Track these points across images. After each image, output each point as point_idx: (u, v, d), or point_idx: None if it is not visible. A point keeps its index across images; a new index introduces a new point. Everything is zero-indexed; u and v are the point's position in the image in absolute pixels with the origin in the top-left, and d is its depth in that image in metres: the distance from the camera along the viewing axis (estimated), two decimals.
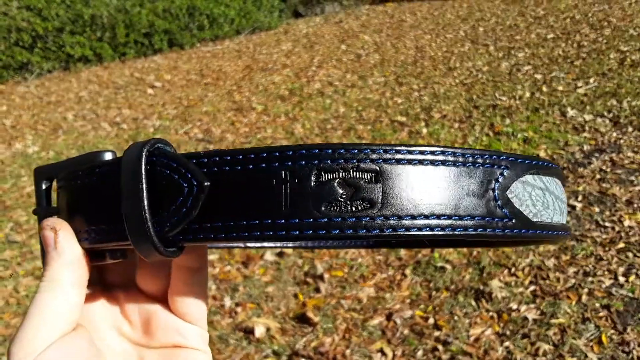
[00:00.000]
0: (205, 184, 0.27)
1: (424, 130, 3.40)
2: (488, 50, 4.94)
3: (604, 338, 1.69)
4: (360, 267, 2.20)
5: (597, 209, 2.32)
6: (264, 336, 1.90)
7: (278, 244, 0.35)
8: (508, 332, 1.76)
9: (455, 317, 1.86)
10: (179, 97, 5.00)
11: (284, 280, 2.20)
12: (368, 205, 0.25)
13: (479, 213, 0.27)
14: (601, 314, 1.78)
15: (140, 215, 0.28)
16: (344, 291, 2.07)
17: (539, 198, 0.29)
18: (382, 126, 3.59)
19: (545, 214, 0.29)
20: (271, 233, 0.26)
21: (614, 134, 2.94)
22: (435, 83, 4.28)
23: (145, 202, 0.28)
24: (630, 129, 2.95)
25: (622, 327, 1.72)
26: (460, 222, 0.26)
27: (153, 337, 0.33)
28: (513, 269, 2.04)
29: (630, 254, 2.03)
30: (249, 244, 0.40)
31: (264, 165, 0.26)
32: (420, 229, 0.25)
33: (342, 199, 0.25)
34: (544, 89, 3.75)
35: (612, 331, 1.71)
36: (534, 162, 0.29)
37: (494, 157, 0.28)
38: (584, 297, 1.86)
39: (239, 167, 0.27)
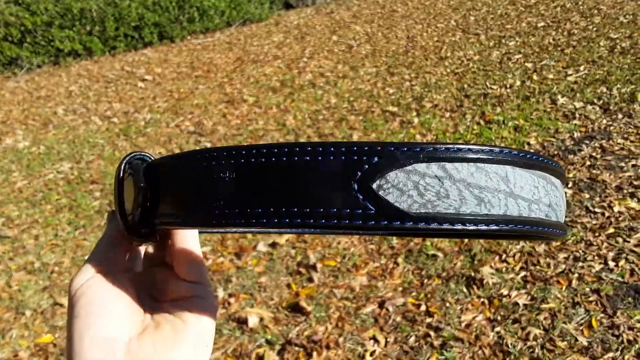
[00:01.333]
0: (142, 185, 0.35)
1: (416, 120, 3.40)
2: (479, 40, 4.94)
3: (594, 322, 1.70)
4: (353, 256, 2.21)
5: (587, 195, 2.34)
6: (257, 326, 1.91)
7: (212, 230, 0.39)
8: (499, 318, 1.78)
9: (447, 304, 1.88)
10: (169, 90, 4.98)
11: (276, 270, 2.20)
12: None
13: (336, 205, 0.27)
14: (591, 299, 1.80)
15: (119, 214, 0.38)
16: (336, 280, 2.08)
17: (431, 187, 0.27)
18: (374, 116, 3.59)
19: (442, 203, 0.27)
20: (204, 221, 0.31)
21: (604, 121, 2.96)
22: (427, 73, 4.28)
23: (117, 204, 0.38)
24: (620, 116, 2.97)
25: (612, 311, 1.74)
26: (325, 213, 0.27)
27: (166, 294, 0.41)
28: (504, 256, 2.06)
29: (619, 239, 2.04)
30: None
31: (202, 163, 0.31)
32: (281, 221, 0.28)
33: None
34: (535, 77, 3.76)
35: (602, 315, 1.73)
36: (427, 149, 0.27)
37: (360, 148, 0.27)
38: (574, 282, 1.87)
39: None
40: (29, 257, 2.54)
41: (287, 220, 0.27)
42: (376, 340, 1.77)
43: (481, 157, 0.28)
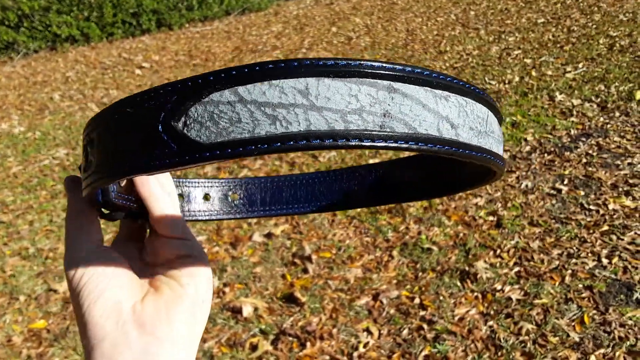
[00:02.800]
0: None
1: None
2: (479, 34, 4.94)
3: (586, 318, 1.72)
4: (348, 248, 2.21)
5: (582, 192, 2.34)
6: (252, 315, 1.91)
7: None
8: (492, 312, 1.79)
9: (441, 297, 1.89)
10: (167, 77, 4.95)
11: (272, 260, 2.21)
12: None
13: (146, 148, 0.28)
14: (584, 295, 1.81)
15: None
16: (331, 272, 2.09)
17: (224, 114, 0.27)
18: None
19: (236, 129, 0.27)
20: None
21: (601, 119, 2.96)
22: (426, 66, 4.27)
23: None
24: (617, 114, 2.98)
25: (604, 308, 1.75)
26: (143, 157, 0.28)
27: (158, 257, 0.43)
28: (498, 251, 2.06)
29: (613, 237, 2.06)
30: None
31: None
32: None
33: None
34: (533, 73, 3.76)
35: (594, 311, 1.74)
36: (220, 76, 0.27)
37: (164, 89, 0.27)
38: (567, 278, 1.89)
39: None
40: (24, 243, 2.54)
41: (115, 172, 0.29)
42: (370, 332, 1.78)
43: (275, 72, 0.26)
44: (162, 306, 0.38)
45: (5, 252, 2.48)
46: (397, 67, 0.28)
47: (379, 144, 0.27)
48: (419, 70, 0.29)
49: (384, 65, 0.28)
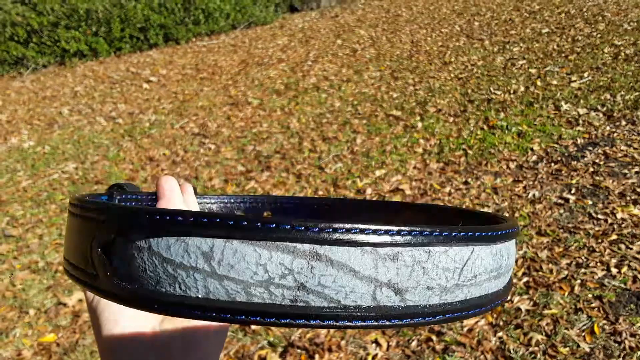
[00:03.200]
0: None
1: (419, 125, 3.41)
2: (483, 45, 4.96)
3: (596, 328, 1.71)
4: None
5: (590, 202, 2.34)
6: (260, 328, 1.92)
7: None
8: (501, 323, 1.78)
9: None
10: (174, 91, 5.00)
11: None
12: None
13: (81, 265, 0.28)
14: (593, 305, 1.80)
15: None
16: None
17: (135, 259, 0.26)
18: (378, 120, 3.60)
19: (143, 277, 0.25)
20: None
21: (608, 128, 2.96)
22: (431, 77, 4.29)
23: None
24: (623, 123, 2.97)
25: (614, 318, 1.74)
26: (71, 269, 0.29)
27: None
28: None
29: (622, 246, 2.05)
30: None
31: None
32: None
33: None
34: (539, 83, 3.77)
35: (604, 321, 1.73)
36: (143, 219, 0.25)
37: (100, 210, 0.26)
38: (577, 288, 1.88)
39: None
40: (33, 257, 2.56)
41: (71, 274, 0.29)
42: (378, 344, 1.78)
43: (182, 227, 0.24)
44: (179, 329, 0.38)
45: (15, 266, 2.49)
46: (327, 229, 0.23)
47: (283, 322, 0.24)
48: (360, 228, 0.24)
49: (309, 226, 0.23)
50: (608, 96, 3.35)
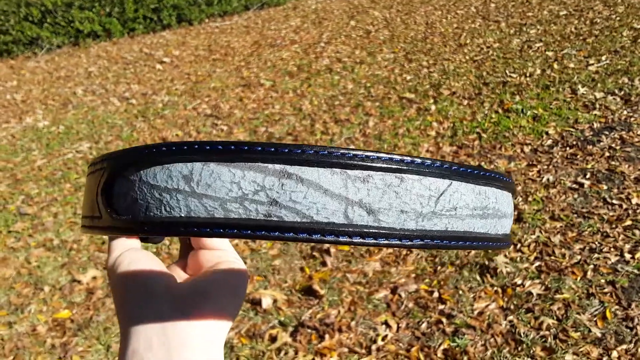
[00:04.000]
0: None
1: (433, 107, 3.38)
2: (499, 27, 4.88)
3: (608, 313, 1.70)
4: None
5: (605, 187, 2.31)
6: (271, 307, 1.93)
7: None
8: (512, 307, 1.78)
9: (460, 292, 1.88)
10: (187, 72, 4.99)
11: (290, 254, 2.22)
12: None
13: (90, 212, 0.31)
14: (606, 290, 1.79)
15: None
16: (350, 265, 2.09)
17: (130, 193, 0.29)
18: (391, 103, 3.57)
19: (135, 207, 0.28)
20: None
21: (625, 112, 2.91)
22: (445, 60, 4.24)
23: None
24: None
25: (627, 303, 1.73)
26: (89, 217, 0.31)
27: (201, 270, 0.43)
28: (519, 245, 2.05)
29: (637, 231, 2.02)
30: None
31: None
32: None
33: None
34: (555, 66, 3.70)
35: (617, 307, 1.72)
36: (129, 154, 0.28)
37: (104, 160, 0.29)
38: (589, 273, 1.86)
39: None
40: (48, 234, 2.59)
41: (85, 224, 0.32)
42: (388, 325, 1.79)
43: (165, 155, 0.27)
44: (197, 289, 0.38)
45: (30, 244, 2.53)
46: (296, 149, 0.25)
47: (259, 234, 0.26)
48: (328, 151, 0.26)
49: (278, 149, 0.25)
50: (626, 80, 3.29)
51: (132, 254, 0.38)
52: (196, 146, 0.26)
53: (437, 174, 0.27)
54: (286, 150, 0.25)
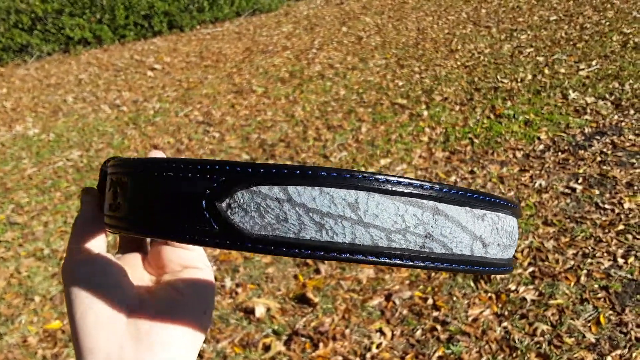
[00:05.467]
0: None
1: (425, 113, 3.39)
2: (490, 32, 4.90)
3: (602, 319, 1.70)
4: None
5: (597, 191, 2.32)
6: (264, 316, 1.92)
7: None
8: (506, 313, 1.78)
9: (454, 298, 1.87)
10: (178, 79, 4.98)
11: (284, 261, 2.21)
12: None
13: (188, 221, 0.28)
14: (599, 295, 1.79)
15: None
16: (343, 272, 2.08)
17: (271, 209, 0.27)
18: (383, 109, 3.57)
19: (281, 227, 0.27)
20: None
21: (616, 117, 2.93)
22: (437, 65, 4.25)
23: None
24: (632, 112, 2.94)
25: (621, 308, 1.73)
26: (177, 227, 0.29)
27: (164, 268, 0.41)
28: None
29: (629, 236, 2.03)
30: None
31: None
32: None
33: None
34: (546, 71, 3.73)
35: (611, 312, 1.72)
36: (271, 171, 0.27)
37: (212, 166, 0.28)
38: (583, 279, 1.87)
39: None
40: (39, 244, 2.56)
41: (147, 230, 0.30)
42: (382, 333, 1.78)
43: (327, 180, 0.27)
44: (160, 315, 0.36)
45: (20, 254, 2.50)
46: (444, 189, 0.29)
47: (417, 264, 0.28)
48: (462, 191, 0.30)
49: (433, 186, 0.29)
50: (616, 85, 3.31)
51: (98, 263, 0.37)
52: (359, 175, 0.27)
53: (512, 214, 0.34)
54: (437, 188, 0.29)
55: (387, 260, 0.28)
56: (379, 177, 0.27)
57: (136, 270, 0.41)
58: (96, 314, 0.35)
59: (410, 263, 0.28)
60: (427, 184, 0.28)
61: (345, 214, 0.27)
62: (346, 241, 0.27)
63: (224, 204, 0.28)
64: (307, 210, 0.27)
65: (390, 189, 0.27)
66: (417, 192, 0.28)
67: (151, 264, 0.42)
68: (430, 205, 0.28)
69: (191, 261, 0.41)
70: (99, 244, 0.39)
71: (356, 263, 0.28)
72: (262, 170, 0.27)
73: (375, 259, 0.28)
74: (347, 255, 0.27)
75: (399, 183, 0.28)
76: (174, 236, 0.29)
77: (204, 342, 1.81)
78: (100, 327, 0.34)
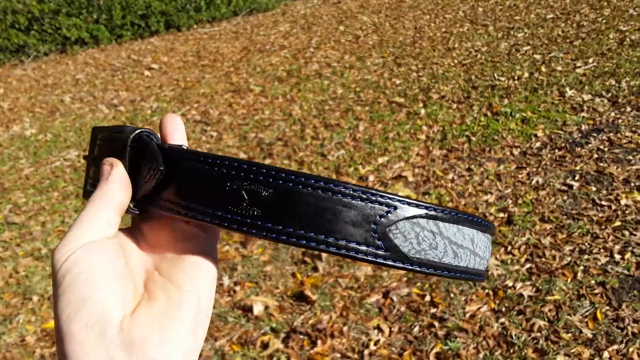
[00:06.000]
0: (161, 168, 0.36)
1: (422, 111, 3.39)
2: (487, 31, 4.91)
3: (598, 314, 1.70)
4: None
5: (594, 188, 2.33)
6: (262, 314, 1.92)
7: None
8: (503, 309, 1.78)
9: (452, 295, 1.88)
10: (176, 79, 4.98)
11: (282, 259, 2.21)
12: (260, 213, 0.34)
13: (356, 239, 0.33)
14: (596, 291, 1.80)
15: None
16: (341, 270, 2.09)
17: (426, 239, 0.34)
18: (380, 107, 3.58)
19: (432, 253, 0.34)
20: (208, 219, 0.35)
21: (612, 114, 2.94)
22: (434, 64, 4.26)
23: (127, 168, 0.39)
24: (628, 109, 2.95)
25: (617, 304, 1.74)
26: (347, 245, 0.33)
27: (159, 241, 0.39)
28: (509, 247, 2.05)
29: (626, 232, 2.04)
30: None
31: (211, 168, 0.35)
32: (315, 243, 0.33)
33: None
34: (543, 69, 3.73)
35: (607, 307, 1.73)
36: (429, 211, 0.34)
37: (386, 197, 0.33)
38: (580, 275, 1.87)
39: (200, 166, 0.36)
40: (36, 244, 2.56)
41: (314, 243, 0.33)
42: (380, 330, 1.78)
43: (465, 223, 0.36)
44: (156, 320, 0.32)
45: (18, 253, 2.50)
46: (481, 220, 0.38)
47: (482, 280, 0.40)
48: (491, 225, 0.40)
49: (491, 225, 0.40)
50: (613, 82, 3.32)
51: (93, 258, 0.33)
52: (479, 221, 0.37)
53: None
54: (482, 222, 0.38)
55: (479, 278, 0.39)
56: (485, 222, 0.38)
57: (132, 251, 0.37)
58: (86, 316, 0.30)
59: (481, 278, 0.39)
60: (490, 224, 0.39)
61: (467, 246, 0.37)
62: (466, 265, 0.37)
63: (387, 229, 0.33)
64: (450, 242, 0.35)
65: (486, 228, 0.39)
66: (489, 229, 0.40)
67: (148, 240, 0.38)
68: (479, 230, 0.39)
69: (194, 249, 0.37)
70: (105, 227, 0.35)
71: (465, 281, 0.36)
72: (422, 207, 0.34)
73: (475, 278, 0.38)
74: (463, 275, 0.36)
75: (492, 225, 0.40)
76: (348, 253, 0.33)
77: None
78: (88, 331, 0.30)
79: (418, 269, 0.34)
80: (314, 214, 0.33)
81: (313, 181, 0.33)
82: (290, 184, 0.33)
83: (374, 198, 0.33)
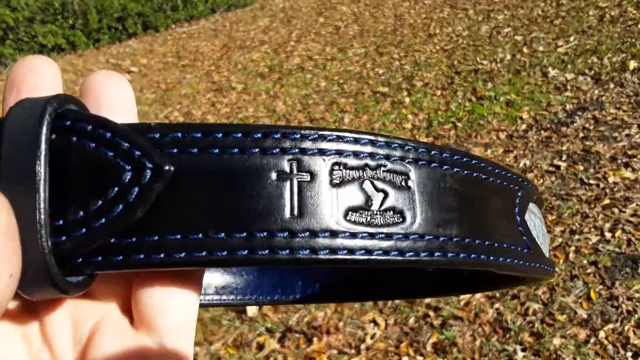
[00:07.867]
0: (167, 167, 0.18)
1: (407, 100, 3.37)
2: (467, 14, 4.90)
3: (592, 294, 1.70)
4: None
5: (581, 167, 2.32)
6: (257, 315, 1.90)
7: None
8: (498, 295, 1.77)
9: None
10: (156, 80, 4.92)
11: None
12: (400, 219, 0.20)
13: (509, 241, 0.22)
14: (589, 271, 1.80)
15: (31, 215, 0.17)
16: None
17: (540, 228, 0.26)
18: (365, 98, 3.55)
19: (545, 247, 0.26)
20: (267, 252, 0.18)
21: (596, 92, 2.94)
22: (416, 51, 4.24)
23: (42, 194, 0.17)
24: (612, 86, 2.95)
25: (611, 282, 1.74)
26: (492, 248, 0.21)
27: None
28: None
29: (615, 210, 2.04)
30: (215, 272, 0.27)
31: (256, 150, 0.19)
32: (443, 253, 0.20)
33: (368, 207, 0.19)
34: (525, 50, 3.73)
35: (601, 287, 1.73)
36: (532, 187, 0.25)
37: (513, 175, 0.24)
38: (571, 255, 1.87)
39: (215, 151, 0.19)
40: None
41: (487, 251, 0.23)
42: (376, 323, 1.77)
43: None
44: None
45: None
46: None
47: None
48: None
49: None
50: (595, 59, 3.32)
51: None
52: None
53: None
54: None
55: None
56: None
57: (111, 314, 0.23)
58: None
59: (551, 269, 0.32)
60: None
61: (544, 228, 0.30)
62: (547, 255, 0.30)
63: (525, 218, 0.24)
64: (544, 227, 0.28)
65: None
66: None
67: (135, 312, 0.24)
68: None
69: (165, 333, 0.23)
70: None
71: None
72: (531, 186, 0.26)
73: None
74: (551, 268, 0.30)
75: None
76: (501, 262, 0.22)
77: (197, 345, 1.79)
78: None
79: (545, 269, 0.29)
80: (475, 214, 0.23)
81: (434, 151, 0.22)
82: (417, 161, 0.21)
83: (501, 175, 0.23)
